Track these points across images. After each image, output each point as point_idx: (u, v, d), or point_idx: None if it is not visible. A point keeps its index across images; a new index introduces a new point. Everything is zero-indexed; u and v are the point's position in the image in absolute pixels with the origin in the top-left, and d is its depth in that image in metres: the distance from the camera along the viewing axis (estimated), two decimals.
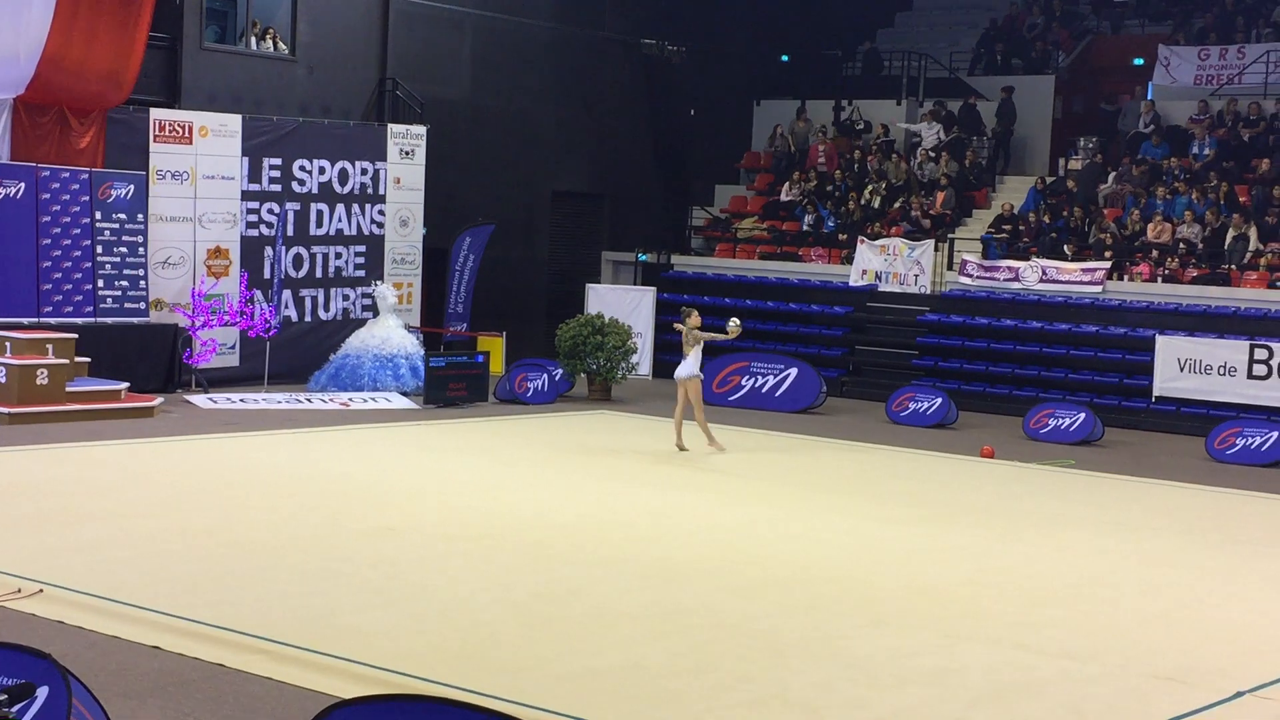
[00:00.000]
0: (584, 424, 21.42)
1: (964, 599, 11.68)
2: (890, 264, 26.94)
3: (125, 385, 20.22)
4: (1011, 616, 11.19)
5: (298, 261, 24.29)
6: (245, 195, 23.53)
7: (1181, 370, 23.25)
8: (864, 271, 27.21)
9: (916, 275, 26.66)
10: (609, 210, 31.38)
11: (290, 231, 24.00)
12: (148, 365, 21.75)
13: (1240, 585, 12.71)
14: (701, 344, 18.87)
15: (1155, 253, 25.21)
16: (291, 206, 24.00)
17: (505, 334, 26.50)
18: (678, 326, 19.20)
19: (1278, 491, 18.01)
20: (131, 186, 22.07)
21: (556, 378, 23.71)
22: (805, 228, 29.12)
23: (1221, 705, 9.16)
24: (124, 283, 22.00)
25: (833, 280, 27.71)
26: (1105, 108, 30.55)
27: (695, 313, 19.21)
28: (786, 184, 30.38)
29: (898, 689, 9.16)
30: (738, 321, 19.50)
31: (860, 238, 27.42)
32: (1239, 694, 9.40)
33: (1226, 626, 11.21)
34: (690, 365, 18.80)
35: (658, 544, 13.19)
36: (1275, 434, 20.41)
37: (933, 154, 29.46)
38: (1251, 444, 20.45)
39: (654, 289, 28.37)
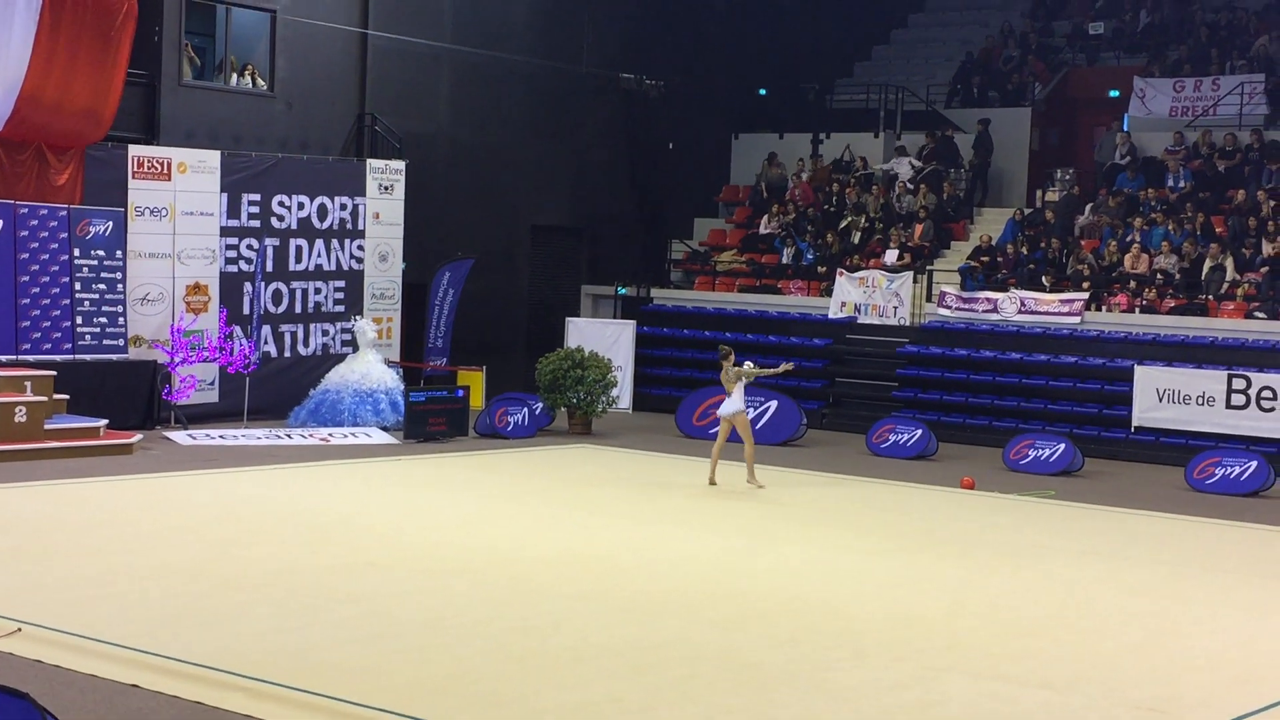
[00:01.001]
0: (564, 458, 21.40)
1: (945, 630, 11.67)
2: (869, 296, 26.99)
3: (104, 422, 20.14)
4: (993, 647, 11.19)
5: (277, 297, 24.25)
6: (224, 231, 23.49)
7: (1160, 400, 23.31)
8: (843, 304, 27.26)
9: (895, 307, 26.72)
10: (588, 244, 31.42)
11: (269, 267, 23.97)
12: (127, 402, 21.66)
13: (1220, 615, 12.73)
14: (744, 380, 19.10)
15: (1133, 283, 25.31)
16: (270, 242, 23.98)
17: (485, 368, 26.48)
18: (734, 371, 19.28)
19: (1257, 521, 18.06)
20: (110, 223, 22.04)
21: (537, 412, 23.70)
22: (784, 260, 29.19)
23: None
24: (103, 319, 21.94)
25: (812, 313, 27.75)
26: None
27: (732, 352, 19.55)
28: (765, 217, 30.46)
29: None
30: (790, 366, 20.48)
31: (839, 270, 27.48)
32: None
33: (1207, 656, 11.22)
34: (735, 402, 19.03)
35: (638, 577, 13.17)
36: (1254, 463, 20.46)
37: (910, 186, 29.57)
38: (1230, 474, 20.50)
39: (633, 322, 28.38)
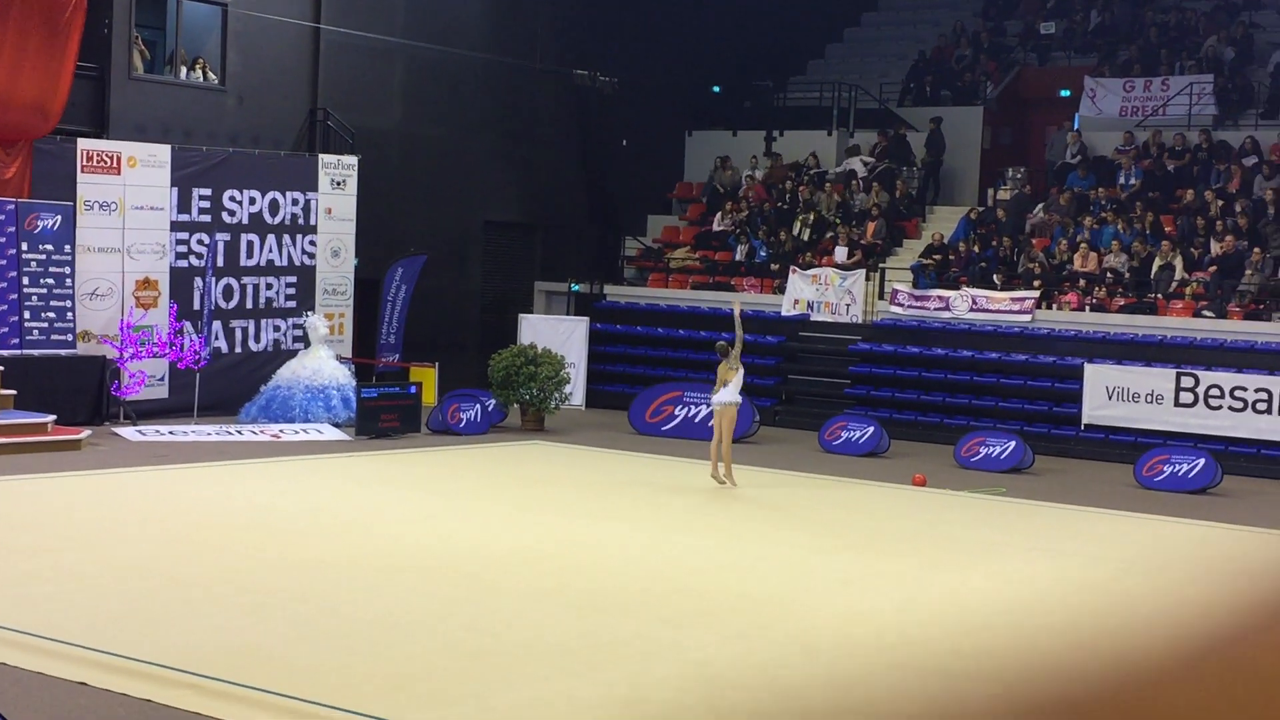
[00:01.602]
0: (517, 455, 21.37)
1: (896, 627, 11.72)
2: (822, 294, 27.07)
3: (52, 418, 19.99)
4: (943, 644, 11.24)
5: (228, 292, 24.12)
6: (174, 226, 23.35)
7: (1109, 398, 23.49)
8: (796, 301, 27.33)
9: (848, 305, 26.80)
10: (541, 240, 31.38)
11: (220, 262, 23.84)
12: (75, 398, 21.49)
13: (1167, 612, 12.82)
14: (741, 373, 18.98)
15: (1083, 282, 25.48)
16: (221, 237, 23.84)
17: (438, 364, 26.40)
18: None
19: (1205, 518, 18.21)
20: (59, 217, 21.86)
21: (489, 408, 23.66)
22: (737, 258, 29.23)
23: None
24: (51, 314, 21.76)
25: (765, 310, 27.80)
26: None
27: (729, 347, 19.40)
28: (718, 214, 30.50)
29: (833, 717, 9.17)
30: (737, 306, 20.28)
31: (792, 267, 27.55)
32: None
33: (1156, 653, 11.29)
34: (732, 392, 18.91)
35: (591, 575, 13.17)
36: (1202, 461, 20.63)
37: (863, 184, 29.67)
38: (1179, 471, 20.66)
39: (587, 319, 28.38)
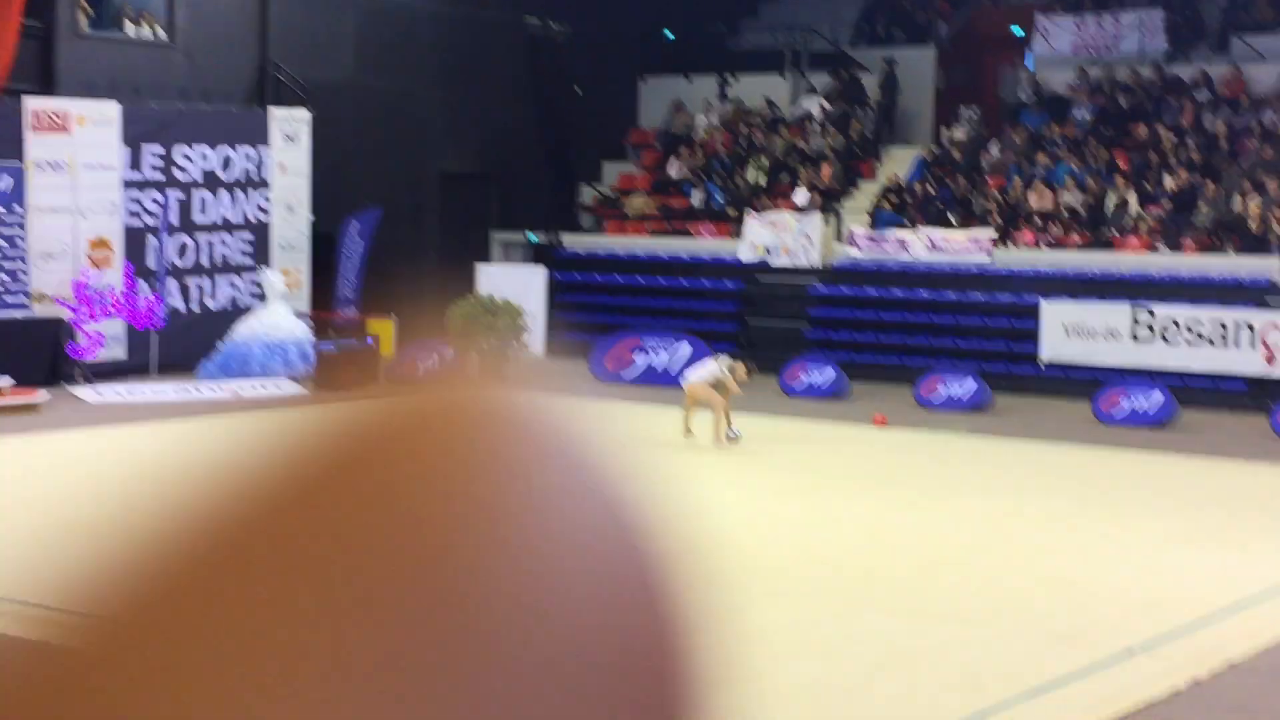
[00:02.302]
0: None
1: (859, 567, 11.79)
2: (779, 238, 27.06)
3: (8, 380, 19.84)
4: (907, 583, 11.32)
5: (183, 250, 23.95)
6: (127, 184, 23.14)
7: (1067, 335, 23.60)
8: (753, 246, 27.31)
9: (806, 248, 26.81)
10: (497, 190, 31.23)
11: (174, 220, 23.65)
12: (31, 359, 21.32)
13: (1127, 544, 12.94)
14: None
15: (1039, 220, 25.55)
16: (174, 195, 23.65)
17: (395, 317, 26.30)
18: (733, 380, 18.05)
19: (1162, 452, 18.35)
20: (8, 178, 21.64)
21: (448, 359, 23.58)
22: (694, 204, 29.18)
23: (1113, 663, 9.33)
24: (4, 276, 21.58)
25: (723, 255, 27.79)
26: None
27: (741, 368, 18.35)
28: (674, 160, 30.42)
29: (797, 659, 9.22)
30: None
31: (749, 212, 27.53)
32: (1129, 651, 9.57)
33: (1116, 585, 11.41)
34: (713, 369, 18.12)
35: None
36: (1159, 395, 20.78)
37: (818, 127, 29.63)
38: (1137, 405, 20.81)
39: (545, 268, 28.29)
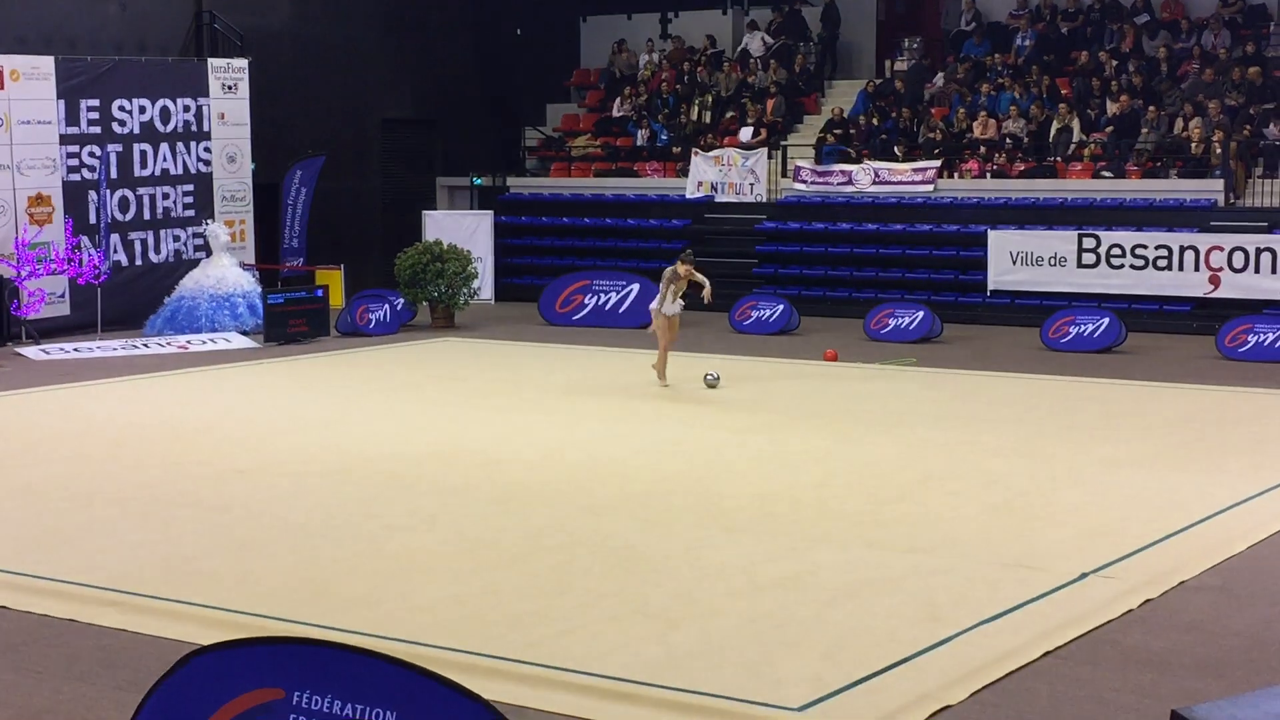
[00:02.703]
0: (429, 353, 21.30)
1: (814, 502, 11.86)
2: (725, 174, 27.05)
3: None
4: (861, 516, 11.39)
5: (124, 204, 23.71)
6: (64, 139, 22.86)
7: (1014, 263, 23.72)
8: (699, 183, 27.29)
9: (752, 184, 26.81)
10: (440, 135, 31.05)
11: (114, 174, 23.40)
12: None
13: (1079, 470, 13.06)
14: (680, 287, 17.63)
15: (983, 149, 25.62)
16: (113, 148, 23.39)
17: (343, 266, 26.18)
18: (681, 271, 17.66)
19: (1111, 377, 18.51)
20: None
21: (398, 307, 23.51)
22: (639, 143, 29.10)
23: (1067, 587, 9.43)
24: None
25: (669, 194, 27.75)
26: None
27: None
28: (617, 100, 30.30)
29: (754, 595, 9.29)
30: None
31: (694, 150, 27.48)
32: (1083, 575, 9.68)
33: (1068, 511, 11.52)
34: (673, 304, 17.64)
35: (509, 468, 13.19)
36: (1106, 320, 20.93)
37: (760, 62, 29.55)
38: (1084, 331, 20.96)
39: (491, 213, 28.20)
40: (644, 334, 22.72)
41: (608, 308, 24.00)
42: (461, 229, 27.11)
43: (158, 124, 24.10)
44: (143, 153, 23.92)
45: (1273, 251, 21.97)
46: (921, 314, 22.04)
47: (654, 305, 17.85)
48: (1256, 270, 22.06)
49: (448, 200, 30.25)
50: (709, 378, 17.62)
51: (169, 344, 21.55)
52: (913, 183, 25.43)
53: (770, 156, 26.93)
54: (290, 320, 22.00)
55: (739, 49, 30.50)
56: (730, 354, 20.60)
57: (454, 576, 9.74)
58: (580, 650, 8.21)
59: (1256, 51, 25.49)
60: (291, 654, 5.03)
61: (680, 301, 17.81)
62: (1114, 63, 26.22)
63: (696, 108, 29.16)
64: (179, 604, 9.11)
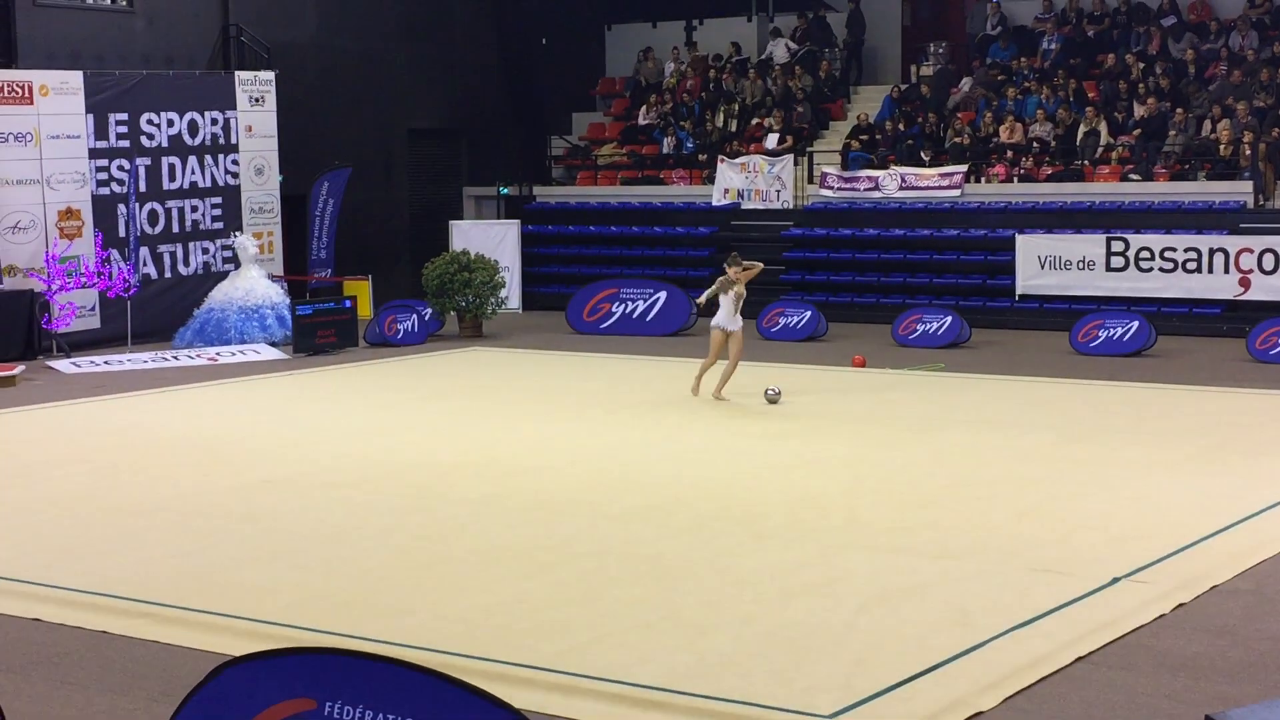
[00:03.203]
0: (456, 362, 21.34)
1: (843, 508, 11.83)
2: (751, 181, 27.03)
3: None
4: (891, 522, 11.36)
5: (153, 218, 23.83)
6: (93, 153, 22.99)
7: (1042, 267, 23.65)
8: (726, 190, 27.28)
9: (778, 191, 26.79)
10: (467, 145, 31.10)
11: (143, 187, 23.52)
12: (6, 333, 21.26)
13: (1109, 474, 13.01)
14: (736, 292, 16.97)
15: (1010, 153, 25.55)
16: (142, 162, 23.51)
17: (371, 277, 26.25)
18: (731, 274, 17.05)
19: (1140, 380, 18.43)
20: None
21: (426, 317, 23.56)
22: (665, 151, 29.11)
23: (1099, 592, 9.39)
24: None
25: (696, 201, 27.76)
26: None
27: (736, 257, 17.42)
28: (643, 107, 30.32)
29: (785, 602, 9.27)
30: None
31: (720, 157, 27.48)
32: (1115, 580, 9.64)
33: (1099, 515, 11.47)
34: (737, 319, 16.98)
35: (539, 477, 13.20)
36: (1135, 324, 20.85)
37: (786, 69, 29.52)
38: (1114, 335, 20.88)
39: (518, 222, 28.25)
40: (671, 341, 22.75)
41: (635, 315, 24.01)
42: (489, 238, 27.15)
43: (186, 137, 24.21)
44: (171, 166, 24.04)
45: None
46: (949, 319, 21.98)
47: (715, 321, 17.03)
48: None
49: (475, 210, 30.30)
50: (770, 393, 16.93)
51: (198, 356, 21.64)
52: (939, 188, 25.38)
53: (796, 163, 26.91)
54: (319, 331, 22.07)
55: (763, 56, 30.49)
56: (758, 361, 20.54)
57: (484, 586, 9.75)
58: (610, 659, 8.21)
59: None
60: (323, 664, 5.04)
61: (739, 318, 17.02)
62: (1141, 65, 26.12)
63: (722, 115, 29.16)
64: (210, 615, 9.14)
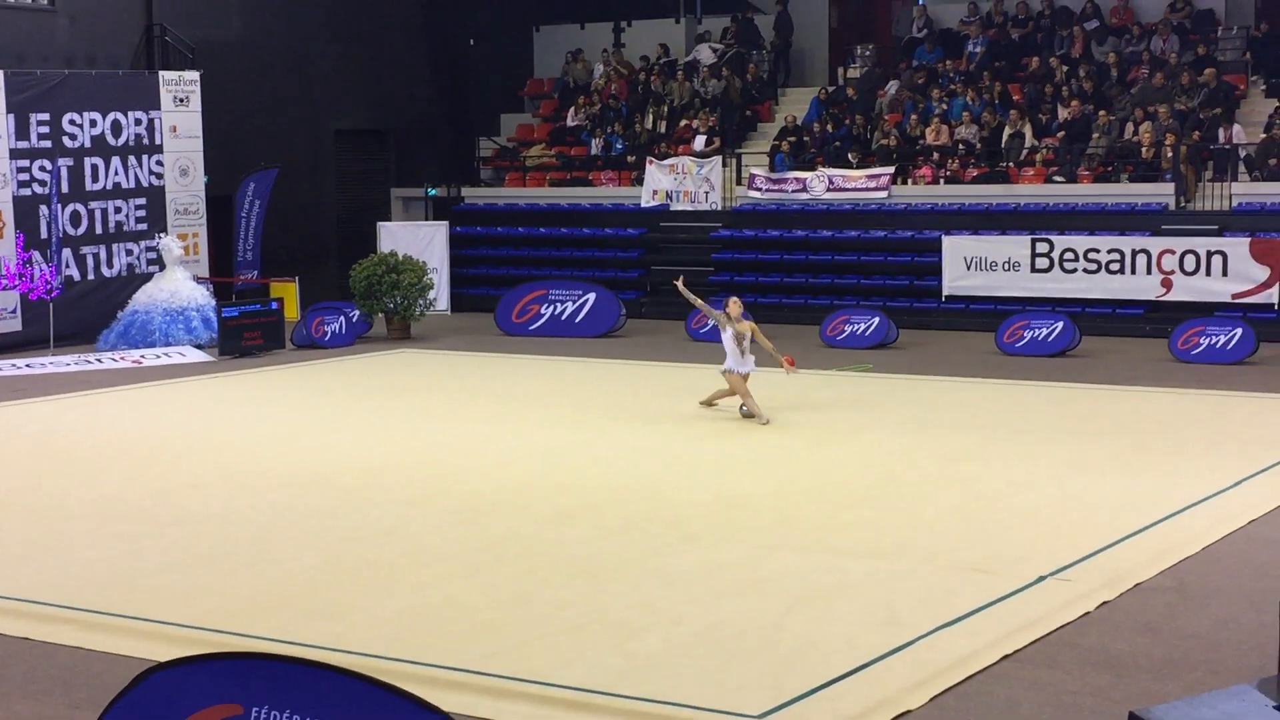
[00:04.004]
0: (385, 364, 21.23)
1: (773, 508, 11.87)
2: (680, 183, 27.08)
3: None
4: (820, 521, 11.42)
5: (75, 219, 23.56)
6: (14, 154, 22.70)
7: (968, 268, 23.83)
8: (655, 192, 27.31)
9: (707, 192, 26.85)
10: (394, 146, 30.98)
11: (65, 188, 23.25)
12: None
13: (1034, 473, 13.12)
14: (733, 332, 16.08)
15: (936, 155, 25.73)
16: (64, 162, 23.24)
17: (298, 278, 26.07)
18: (732, 313, 16.26)
19: (1065, 380, 18.61)
20: None
21: (354, 319, 23.43)
22: (593, 152, 29.09)
23: (1025, 590, 9.47)
24: None
25: (624, 203, 27.77)
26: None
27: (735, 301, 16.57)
28: (571, 109, 30.30)
29: (714, 601, 9.29)
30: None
31: (649, 159, 27.51)
32: (1041, 578, 9.73)
33: (1024, 514, 11.57)
34: (747, 362, 16.16)
35: (467, 478, 13.16)
36: (1060, 324, 21.05)
37: (713, 70, 29.58)
38: (1039, 335, 21.07)
39: (446, 223, 28.14)
40: (601, 343, 22.75)
41: (564, 317, 23.98)
42: (417, 240, 27.04)
43: (109, 137, 23.97)
44: (94, 167, 23.78)
45: (1223, 254, 22.14)
46: (877, 320, 22.10)
47: (725, 366, 16.13)
48: (1208, 273, 22.23)
49: (402, 211, 30.17)
50: (743, 410, 16.07)
51: (123, 359, 21.41)
52: (867, 189, 25.52)
53: (725, 164, 26.98)
54: (245, 333, 21.89)
55: (688, 58, 30.53)
56: (688, 362, 20.60)
57: (413, 588, 9.71)
58: (540, 661, 8.20)
59: (1206, 55, 25.68)
60: (249, 669, 5.00)
61: (751, 357, 16.13)
62: (1064, 68, 26.38)
63: (651, 116, 29.19)
64: (136, 620, 9.05)
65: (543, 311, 24.20)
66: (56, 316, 22.06)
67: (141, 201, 24.46)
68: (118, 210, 24.17)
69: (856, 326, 22.15)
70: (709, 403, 16.75)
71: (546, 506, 12.02)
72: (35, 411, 17.33)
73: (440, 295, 26.69)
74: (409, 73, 31.05)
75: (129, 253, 24.34)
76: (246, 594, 9.63)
